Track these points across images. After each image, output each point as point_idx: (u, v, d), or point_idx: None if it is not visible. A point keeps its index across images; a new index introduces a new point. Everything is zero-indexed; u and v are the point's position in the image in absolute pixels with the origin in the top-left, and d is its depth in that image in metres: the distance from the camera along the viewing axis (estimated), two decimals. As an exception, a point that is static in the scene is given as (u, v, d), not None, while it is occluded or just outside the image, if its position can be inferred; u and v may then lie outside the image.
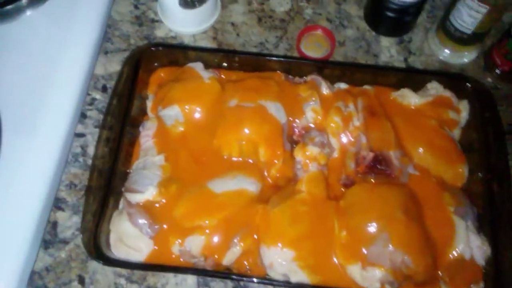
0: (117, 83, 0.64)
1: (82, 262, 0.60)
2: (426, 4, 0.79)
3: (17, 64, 0.69)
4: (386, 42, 0.77)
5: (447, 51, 0.74)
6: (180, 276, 0.60)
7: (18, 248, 0.58)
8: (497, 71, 0.73)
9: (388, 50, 0.77)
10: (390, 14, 0.73)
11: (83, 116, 0.69)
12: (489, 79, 0.74)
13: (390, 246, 0.53)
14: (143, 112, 0.67)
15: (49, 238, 0.62)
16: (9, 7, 0.73)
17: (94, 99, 0.71)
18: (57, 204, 0.64)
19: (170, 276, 0.60)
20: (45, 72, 0.69)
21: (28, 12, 0.74)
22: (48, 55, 0.71)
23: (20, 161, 0.62)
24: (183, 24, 0.76)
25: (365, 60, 0.76)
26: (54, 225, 0.62)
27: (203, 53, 0.69)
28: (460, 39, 0.71)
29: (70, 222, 0.63)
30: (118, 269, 0.60)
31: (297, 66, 0.68)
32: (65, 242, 0.61)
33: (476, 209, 0.59)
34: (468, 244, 0.56)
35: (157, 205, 0.57)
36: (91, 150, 0.67)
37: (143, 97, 0.68)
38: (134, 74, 0.64)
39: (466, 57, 0.74)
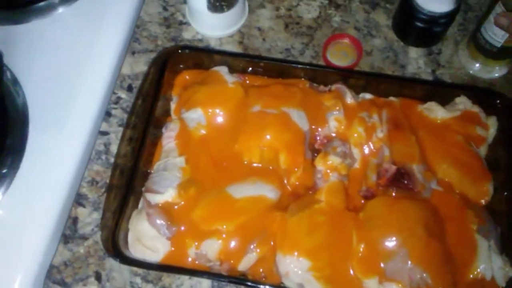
0: (143, 83, 0.64)
1: (100, 258, 0.61)
2: (457, 16, 0.77)
3: (47, 60, 0.71)
4: (414, 53, 0.76)
5: (477, 65, 0.73)
6: (195, 279, 0.60)
7: (39, 241, 0.59)
8: None
9: (416, 61, 0.75)
10: (419, 24, 0.71)
11: (108, 114, 0.70)
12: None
13: (409, 262, 0.52)
14: (166, 113, 0.68)
15: (69, 233, 0.63)
16: (41, 4, 0.74)
17: (119, 98, 0.72)
18: (78, 200, 0.65)
19: (185, 278, 0.60)
20: (73, 69, 0.70)
21: (60, 9, 0.75)
22: (77, 52, 0.72)
23: (45, 156, 0.63)
24: (210, 28, 0.76)
25: (392, 70, 0.75)
26: (74, 220, 0.64)
27: (229, 57, 0.69)
28: (490, 52, 0.70)
29: (90, 219, 0.64)
30: (134, 268, 0.61)
31: (322, 74, 0.68)
32: (84, 238, 0.62)
33: (500, 228, 0.58)
34: (490, 265, 0.54)
35: (176, 207, 0.58)
36: (114, 148, 0.67)
37: (168, 98, 0.68)
38: (160, 75, 0.65)
39: (497, 72, 0.73)
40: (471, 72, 0.73)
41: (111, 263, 0.61)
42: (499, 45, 0.67)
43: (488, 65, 0.72)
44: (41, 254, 0.59)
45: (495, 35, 0.67)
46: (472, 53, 0.73)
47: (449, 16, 0.70)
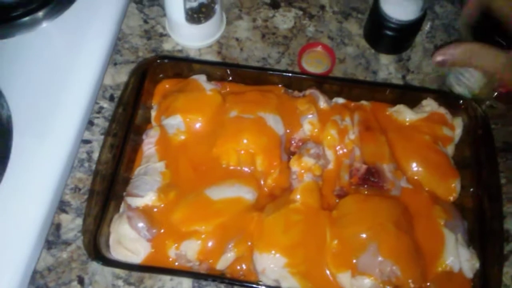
0: (123, 92, 0.67)
1: (83, 263, 0.63)
2: (425, 25, 0.81)
3: (31, 73, 0.73)
4: (385, 60, 0.79)
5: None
6: (176, 280, 0.62)
7: (23, 247, 0.60)
8: (495, 92, 0.75)
9: (387, 67, 0.79)
10: (388, 32, 0.75)
11: (90, 123, 0.72)
12: (495, 105, 0.75)
13: (379, 256, 0.54)
14: (147, 121, 0.70)
15: (52, 239, 0.64)
16: (25, 19, 0.77)
17: (101, 108, 0.74)
18: (61, 206, 0.66)
19: (166, 279, 0.62)
20: (57, 81, 0.72)
21: (44, 24, 0.78)
22: (61, 64, 0.74)
23: (29, 164, 0.65)
24: (189, 39, 0.79)
25: (364, 76, 0.78)
26: (57, 226, 0.65)
27: (207, 66, 0.72)
28: None
29: (73, 225, 0.65)
30: (117, 271, 0.62)
31: (297, 81, 0.71)
32: (67, 243, 0.64)
33: (467, 223, 0.61)
34: (457, 257, 0.57)
35: (155, 209, 0.60)
36: (96, 156, 0.69)
37: (148, 107, 0.71)
38: (140, 84, 0.67)
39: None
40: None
41: (94, 267, 0.62)
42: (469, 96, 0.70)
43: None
44: (25, 260, 0.60)
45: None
46: None
47: (416, 24, 0.74)
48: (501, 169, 0.70)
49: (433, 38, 0.81)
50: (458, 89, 0.70)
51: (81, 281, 0.62)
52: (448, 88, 0.73)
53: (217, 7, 0.75)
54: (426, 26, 0.82)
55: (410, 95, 0.69)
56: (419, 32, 0.79)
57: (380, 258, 0.54)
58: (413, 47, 0.80)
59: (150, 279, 0.62)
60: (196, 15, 0.74)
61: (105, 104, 0.74)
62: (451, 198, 0.63)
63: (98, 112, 0.74)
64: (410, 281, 0.54)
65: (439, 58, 0.55)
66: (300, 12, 0.84)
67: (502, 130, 0.73)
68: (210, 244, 0.57)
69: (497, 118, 0.74)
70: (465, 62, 0.55)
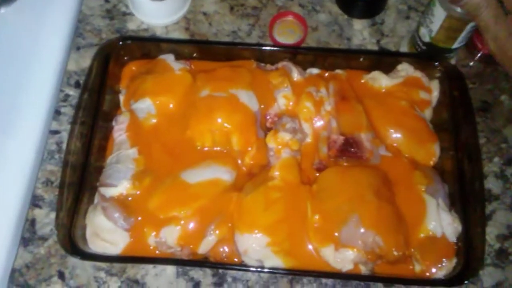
0: (87, 77, 0.64)
1: (62, 257, 0.61)
2: (397, -15, 0.79)
3: (-11, 62, 0.69)
4: (358, 25, 0.77)
5: None
6: (159, 267, 0.61)
7: (-1, 247, 0.58)
8: (479, 54, 0.73)
9: (360, 33, 0.77)
10: (360, -4, 0.73)
11: (57, 113, 0.69)
12: (471, 63, 0.74)
13: (361, 227, 0.54)
14: (116, 106, 0.67)
15: (28, 235, 0.62)
16: (-20, 5, 0.72)
17: (67, 96, 0.71)
18: (34, 201, 0.64)
19: (149, 267, 0.61)
20: (18, 70, 0.69)
21: (1, 10, 0.73)
22: (21, 52, 0.71)
23: (-3, 160, 0.63)
24: (154, 16, 0.76)
25: (338, 44, 0.76)
26: (32, 222, 0.63)
27: (174, 44, 0.68)
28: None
29: (48, 219, 0.63)
30: (98, 263, 0.61)
31: (269, 54, 0.68)
32: (43, 238, 0.62)
33: (448, 187, 0.60)
34: (439, 222, 0.56)
35: (131, 198, 0.58)
36: (66, 147, 0.67)
37: (116, 91, 0.68)
38: (104, 68, 0.64)
39: None
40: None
41: (74, 260, 0.61)
42: (427, 39, 0.68)
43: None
44: (2, 259, 0.58)
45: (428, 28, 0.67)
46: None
47: (388, -14, 0.72)
48: (481, 128, 0.70)
49: (406, -1, 0.79)
50: (423, 30, 0.68)
51: (61, 276, 0.60)
52: (416, 33, 0.71)
53: (181, -20, 0.71)
54: (399, -13, 0.79)
55: (385, 61, 0.68)
56: (392, -6, 0.76)
57: (362, 230, 0.54)
58: (386, 10, 0.78)
59: (133, 268, 0.61)
60: (159, -9, 0.71)
61: (71, 92, 0.71)
62: (431, 162, 0.63)
63: (64, 101, 0.71)
64: (393, 249, 0.53)
65: None
66: (269, -19, 0.80)
67: (479, 89, 0.73)
68: (190, 228, 0.56)
69: (474, 77, 0.73)
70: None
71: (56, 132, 0.68)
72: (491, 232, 0.64)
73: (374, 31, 0.77)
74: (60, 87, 0.71)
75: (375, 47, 0.75)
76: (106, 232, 0.56)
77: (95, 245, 0.57)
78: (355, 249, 0.54)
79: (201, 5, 0.78)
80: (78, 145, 0.60)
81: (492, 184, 0.67)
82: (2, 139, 0.64)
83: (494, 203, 0.66)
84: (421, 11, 0.77)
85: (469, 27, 0.63)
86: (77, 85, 0.72)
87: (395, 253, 0.54)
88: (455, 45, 0.67)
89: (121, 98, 0.67)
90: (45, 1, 0.74)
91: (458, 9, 0.60)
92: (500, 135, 0.70)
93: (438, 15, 0.63)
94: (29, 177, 0.63)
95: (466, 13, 0.57)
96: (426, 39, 0.68)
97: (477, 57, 0.73)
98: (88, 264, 0.61)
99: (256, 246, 0.54)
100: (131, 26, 0.76)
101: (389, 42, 0.76)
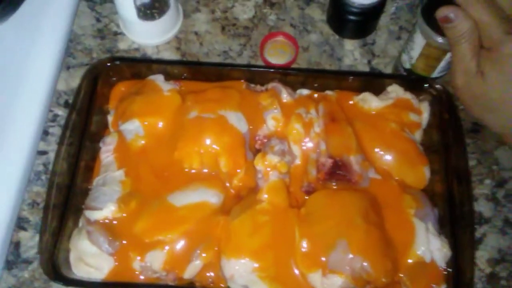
0: (76, 97, 0.63)
1: (45, 281, 0.60)
2: (389, 6, 0.79)
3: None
4: (349, 45, 0.77)
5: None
6: (148, 291, 0.60)
7: (-18, 270, 0.57)
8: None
9: (352, 53, 0.77)
10: (351, 17, 0.73)
11: (45, 133, 0.69)
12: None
13: (349, 252, 0.53)
14: (105, 127, 0.67)
15: (11, 258, 0.61)
16: (-28, 23, 0.72)
17: (56, 116, 0.71)
18: (19, 223, 0.63)
19: (138, 292, 0.60)
20: (6, 89, 0.69)
21: (-8, 28, 0.73)
22: (10, 71, 0.71)
23: (-19, 182, 0.62)
24: (145, 36, 0.76)
25: (329, 64, 0.76)
26: (16, 245, 0.62)
27: (164, 65, 0.68)
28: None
29: (32, 242, 0.62)
30: (83, 287, 0.60)
31: (259, 75, 0.68)
32: (28, 262, 0.61)
33: (437, 210, 0.59)
34: (429, 247, 0.55)
35: (116, 221, 0.57)
36: (53, 168, 0.66)
37: (105, 111, 0.67)
38: (93, 89, 0.64)
39: None
40: None
41: (57, 285, 0.60)
42: (408, 66, 0.68)
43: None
44: (-15, 283, 0.57)
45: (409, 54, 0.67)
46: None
47: (379, 7, 0.72)
48: (472, 150, 0.69)
49: (397, 19, 0.79)
50: (404, 56, 0.68)
51: (45, 300, 0.59)
52: (398, 59, 0.71)
53: (172, 0, 0.72)
54: (391, 8, 0.79)
55: (375, 82, 0.67)
56: (383, 14, 0.77)
57: (350, 255, 0.53)
58: (378, 30, 0.78)
59: (119, 294, 0.60)
60: (149, 11, 0.71)
61: (60, 111, 0.71)
62: (421, 186, 0.62)
63: (53, 121, 0.70)
64: (381, 276, 0.52)
65: (444, 12, 0.53)
66: (260, 0, 0.81)
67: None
68: (175, 253, 0.55)
69: (465, 98, 0.73)
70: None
71: (43, 152, 0.68)
72: (482, 256, 0.63)
73: (365, 51, 0.77)
74: (49, 107, 0.70)
75: (366, 68, 0.75)
76: (90, 257, 0.55)
77: (79, 270, 0.56)
78: (343, 275, 0.53)
79: (192, 25, 0.78)
80: (65, 166, 0.59)
81: (483, 207, 0.66)
82: (-11, 158, 0.64)
83: (485, 226, 0.65)
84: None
85: (447, 57, 0.63)
86: (66, 105, 0.71)
87: (384, 279, 0.53)
88: (435, 74, 0.67)
89: (110, 119, 0.66)
90: (36, 21, 0.74)
91: (439, 39, 0.60)
92: (492, 157, 0.69)
93: (418, 42, 0.64)
94: (15, 199, 0.62)
95: (447, 39, 0.56)
96: (407, 65, 0.68)
97: None
98: (72, 288, 0.60)
99: (242, 272, 0.54)
100: (122, 45, 0.76)
101: (380, 63, 0.76)
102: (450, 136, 0.62)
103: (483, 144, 0.70)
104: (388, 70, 0.75)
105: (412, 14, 0.79)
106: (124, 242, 0.56)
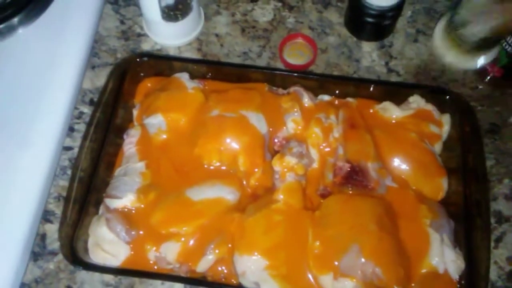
0: (102, 93, 0.65)
1: (70, 272, 0.62)
2: (406, 9, 0.79)
3: (9, 80, 0.71)
4: (367, 47, 0.78)
5: (451, 55, 0.74)
6: (167, 284, 0.61)
7: (9, 261, 0.59)
8: (488, 77, 0.73)
9: (369, 55, 0.77)
10: (369, 19, 0.73)
11: (71, 129, 0.71)
12: (480, 86, 0.74)
13: (362, 257, 0.53)
14: (129, 121, 0.69)
15: (38, 250, 0.63)
16: (1, 26, 0.75)
17: (81, 113, 0.73)
18: (45, 216, 0.66)
19: (157, 283, 0.61)
20: (35, 88, 0.71)
21: (20, 30, 0.76)
22: (38, 71, 0.72)
23: (11, 175, 0.64)
24: (168, 37, 0.78)
25: (347, 65, 0.76)
26: (43, 237, 0.64)
27: (188, 64, 0.70)
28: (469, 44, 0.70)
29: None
30: (106, 279, 0.61)
31: (279, 77, 0.69)
32: (53, 253, 0.63)
33: (453, 222, 0.59)
34: (443, 258, 0.55)
35: (134, 211, 0.58)
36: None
37: (130, 106, 0.69)
38: (119, 84, 0.66)
39: (474, 62, 0.73)
40: (446, 61, 0.75)
41: (82, 276, 0.61)
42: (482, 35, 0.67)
43: (465, 55, 0.73)
44: (12, 273, 0.59)
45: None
46: (449, 42, 0.73)
47: (396, 9, 0.72)
48: (490, 150, 0.69)
49: (414, 22, 0.79)
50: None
51: (70, 291, 0.62)
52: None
53: (194, 3, 0.73)
54: (408, 11, 0.80)
55: (396, 91, 0.68)
56: (400, 17, 0.77)
57: (362, 260, 0.53)
58: (395, 33, 0.78)
59: (142, 284, 0.61)
60: (173, 13, 0.73)
61: (85, 109, 0.73)
62: (438, 197, 0.62)
63: (79, 118, 0.73)
64: (393, 282, 0.52)
65: None
66: (279, 4, 0.82)
67: (488, 111, 0.72)
68: (190, 246, 0.56)
69: (483, 99, 0.73)
70: None
71: (69, 148, 0.70)
72: (502, 254, 0.63)
73: (383, 53, 0.77)
74: (75, 105, 0.73)
75: (383, 69, 0.76)
76: (107, 243, 0.57)
77: (96, 256, 0.58)
78: (354, 279, 0.53)
79: (213, 27, 0.80)
80: (88, 159, 0.61)
81: (502, 206, 0.66)
82: (17, 154, 0.66)
83: (504, 225, 0.65)
84: (429, 34, 0.78)
85: None
86: (91, 102, 0.74)
87: (395, 287, 0.53)
88: None
89: (135, 112, 0.68)
90: (63, 22, 0.76)
91: None
92: (510, 156, 0.69)
93: None
94: (41, 192, 0.64)
95: None
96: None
97: (486, 80, 0.73)
98: (96, 280, 0.61)
99: (254, 269, 0.54)
100: (145, 46, 0.78)
101: (397, 65, 0.76)
102: (471, 151, 0.62)
103: (501, 144, 0.70)
104: (406, 71, 0.75)
105: (429, 17, 0.80)
106: (141, 232, 0.58)
